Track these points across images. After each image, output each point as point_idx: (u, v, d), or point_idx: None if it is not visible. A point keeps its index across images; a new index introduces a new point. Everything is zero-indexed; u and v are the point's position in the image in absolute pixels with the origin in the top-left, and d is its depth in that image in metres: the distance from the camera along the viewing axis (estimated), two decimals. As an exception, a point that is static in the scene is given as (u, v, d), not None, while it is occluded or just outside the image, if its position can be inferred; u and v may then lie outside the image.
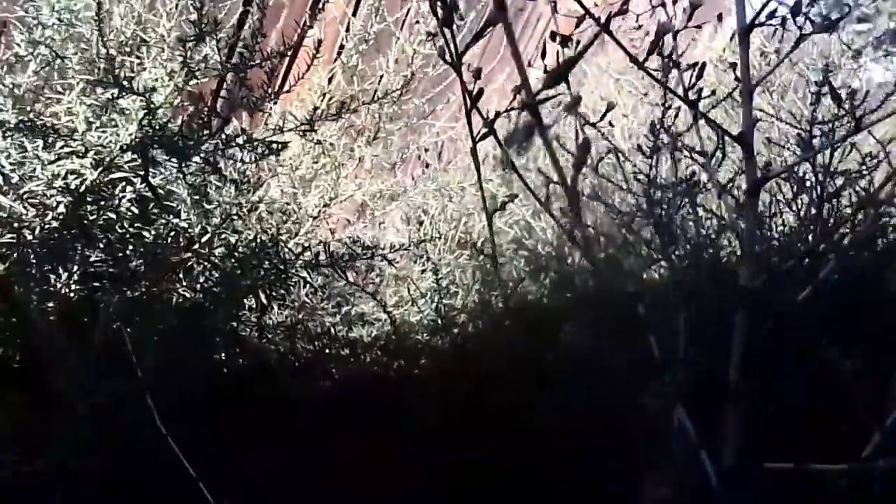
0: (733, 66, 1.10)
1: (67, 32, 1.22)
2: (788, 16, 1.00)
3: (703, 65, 1.13)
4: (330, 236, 1.97)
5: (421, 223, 2.81)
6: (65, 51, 1.26)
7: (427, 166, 2.62)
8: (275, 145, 1.30)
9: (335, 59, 2.01)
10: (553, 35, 1.22)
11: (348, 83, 1.70)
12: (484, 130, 1.03)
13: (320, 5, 1.49)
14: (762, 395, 1.22)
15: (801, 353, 1.20)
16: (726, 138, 1.15)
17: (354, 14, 2.39)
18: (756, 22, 1.02)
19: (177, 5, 1.32)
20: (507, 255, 2.72)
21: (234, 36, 1.26)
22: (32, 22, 1.24)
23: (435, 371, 2.51)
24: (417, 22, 1.63)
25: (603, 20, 1.07)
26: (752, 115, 1.07)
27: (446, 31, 0.95)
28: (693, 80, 1.11)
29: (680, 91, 1.14)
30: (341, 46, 2.43)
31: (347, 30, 2.04)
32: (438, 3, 0.93)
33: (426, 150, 2.27)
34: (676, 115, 1.39)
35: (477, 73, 1.00)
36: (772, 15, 1.01)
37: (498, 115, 1.03)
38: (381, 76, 1.72)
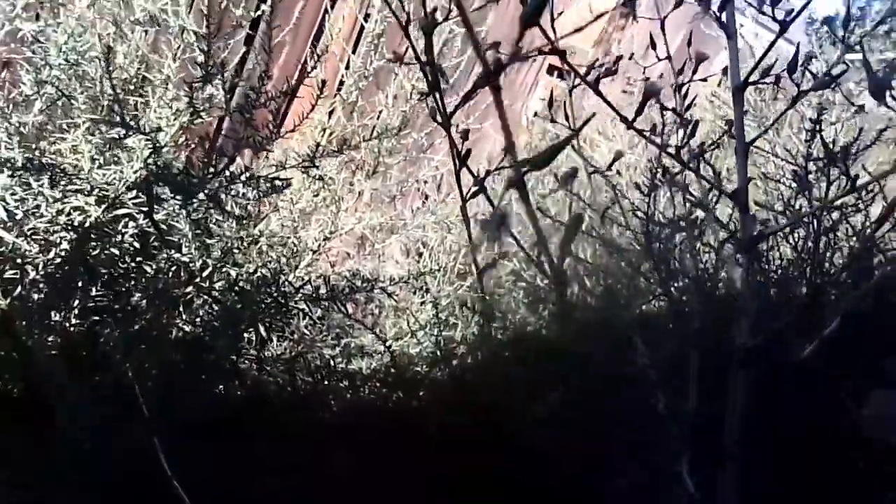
0: (729, 123, 1.11)
1: (73, 72, 1.24)
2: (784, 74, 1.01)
3: (697, 123, 1.13)
4: (330, 269, 1.98)
5: (420, 255, 2.82)
6: (70, 90, 1.28)
7: (426, 198, 2.64)
8: (278, 182, 1.31)
9: (335, 94, 2.04)
10: (550, 69, 1.25)
11: (348, 118, 1.72)
12: (474, 189, 1.05)
13: (321, 44, 1.51)
14: (760, 457, 1.22)
15: (802, 410, 1.20)
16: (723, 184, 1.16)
17: (354, 51, 2.43)
18: (750, 80, 1.03)
19: (181, 47, 1.34)
20: (506, 287, 2.73)
21: (237, 76, 1.28)
22: (39, 62, 1.26)
23: (434, 403, 2.51)
24: (417, 61, 1.64)
25: (597, 64, 1.09)
26: (746, 173, 1.07)
27: (435, 93, 0.97)
28: (686, 137, 1.12)
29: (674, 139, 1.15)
30: (341, 81, 2.46)
31: (347, 66, 2.07)
32: (427, 69, 0.95)
33: (425, 182, 2.29)
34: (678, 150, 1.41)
35: (465, 135, 1.03)
36: (766, 72, 1.02)
37: (488, 173, 1.05)
38: (381, 111, 1.74)
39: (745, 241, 1.10)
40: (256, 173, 1.30)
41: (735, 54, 1.03)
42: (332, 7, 2.50)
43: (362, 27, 2.84)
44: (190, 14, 1.32)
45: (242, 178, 1.26)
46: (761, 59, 1.04)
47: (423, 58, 0.96)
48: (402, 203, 2.36)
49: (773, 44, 1.01)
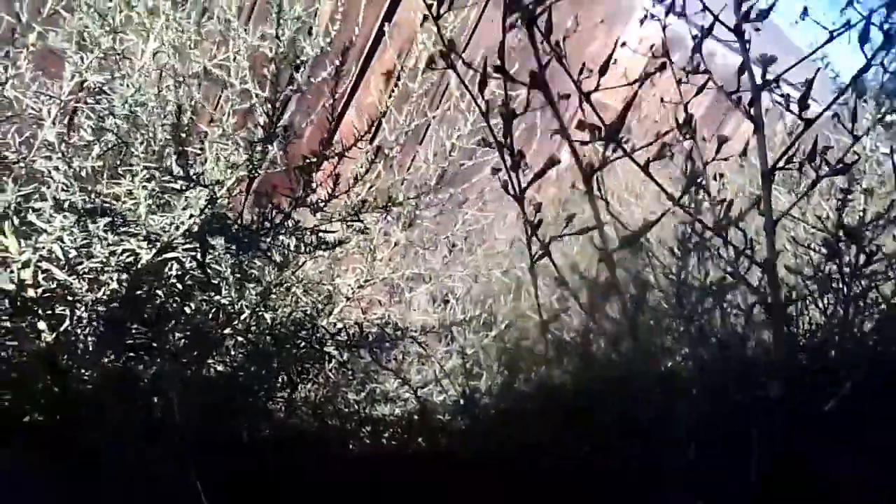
0: (756, 203, 1.15)
1: (133, 121, 1.31)
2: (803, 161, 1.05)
3: (731, 202, 1.18)
4: (361, 315, 2.02)
5: (446, 302, 2.86)
6: (130, 138, 1.35)
7: (454, 246, 2.68)
8: (329, 239, 1.36)
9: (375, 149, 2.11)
10: (580, 124, 1.29)
11: (386, 170, 1.78)
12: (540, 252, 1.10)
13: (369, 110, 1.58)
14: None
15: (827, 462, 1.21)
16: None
17: (390, 96, 2.51)
18: (777, 166, 1.07)
19: (240, 102, 1.41)
20: (532, 339, 2.75)
21: (293, 134, 1.35)
22: (103, 111, 1.33)
23: (457, 453, 2.52)
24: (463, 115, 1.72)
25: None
26: (774, 247, 1.11)
27: (512, 173, 1.03)
28: (721, 214, 1.16)
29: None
30: (376, 130, 2.54)
31: (384, 116, 2.14)
32: (506, 150, 1.01)
33: (453, 233, 2.34)
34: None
35: (538, 207, 1.08)
36: (790, 160, 1.07)
37: (551, 240, 1.10)
38: (421, 167, 1.80)
39: (776, 310, 1.14)
40: (304, 224, 1.35)
41: (763, 143, 1.08)
42: (365, 65, 2.59)
43: (398, 79, 2.92)
44: (247, 70, 1.39)
45: (294, 231, 1.31)
46: (788, 149, 1.09)
47: (503, 141, 1.02)
48: (430, 252, 2.41)
49: (799, 135, 1.06)
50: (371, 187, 1.52)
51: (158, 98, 1.33)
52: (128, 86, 1.24)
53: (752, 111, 1.08)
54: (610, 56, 1.23)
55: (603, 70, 1.20)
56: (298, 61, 1.28)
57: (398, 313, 2.57)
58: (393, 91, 1.80)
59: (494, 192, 2.35)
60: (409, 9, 2.88)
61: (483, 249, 2.46)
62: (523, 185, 1.07)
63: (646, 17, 1.16)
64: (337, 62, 1.26)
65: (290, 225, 1.33)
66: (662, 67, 1.27)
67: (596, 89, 1.17)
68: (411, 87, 1.49)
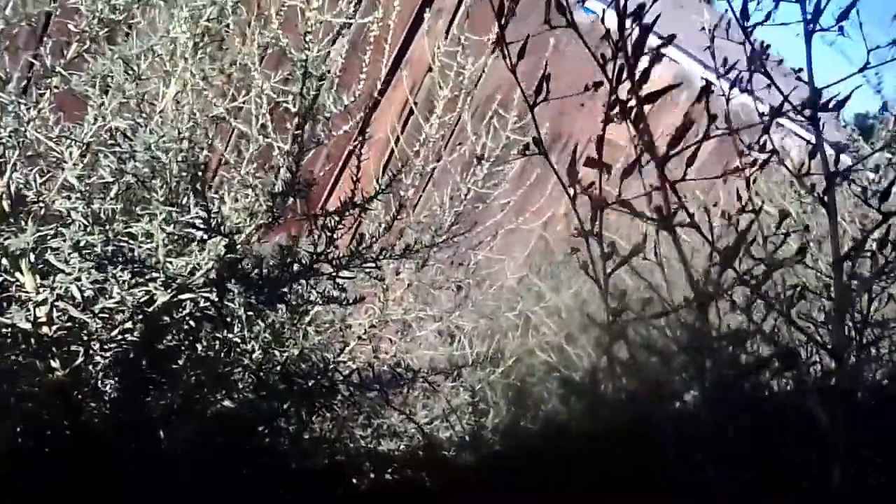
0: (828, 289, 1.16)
1: (154, 165, 1.33)
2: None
3: (803, 289, 1.19)
4: (371, 353, 2.03)
5: (452, 337, 2.86)
6: (150, 181, 1.37)
7: (459, 289, 2.69)
8: (346, 292, 1.37)
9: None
10: (588, 161, 1.31)
11: (402, 212, 1.79)
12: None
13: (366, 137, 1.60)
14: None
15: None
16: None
17: (396, 141, 2.53)
18: (850, 254, 1.09)
19: (258, 149, 1.42)
20: (538, 377, 2.75)
21: (313, 184, 1.36)
22: (124, 154, 1.35)
23: (462, 489, 2.51)
24: (480, 158, 1.74)
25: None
26: (844, 333, 1.13)
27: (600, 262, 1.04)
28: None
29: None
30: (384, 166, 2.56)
31: (397, 161, 2.17)
32: (597, 240, 1.01)
33: (467, 276, 2.36)
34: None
35: (612, 246, 1.09)
36: (861, 246, 1.09)
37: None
38: (436, 210, 1.82)
39: (841, 398, 1.15)
40: (321, 270, 1.36)
41: (835, 230, 1.10)
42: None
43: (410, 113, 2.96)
44: (268, 119, 1.41)
45: (312, 279, 1.32)
46: (863, 241, 1.11)
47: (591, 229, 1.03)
48: (440, 291, 2.42)
49: (872, 230, 1.09)
50: (387, 229, 1.53)
51: (178, 141, 1.35)
52: (150, 131, 1.26)
53: (825, 199, 1.09)
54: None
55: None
56: (322, 117, 1.30)
57: (404, 348, 2.57)
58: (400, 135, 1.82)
59: (508, 236, 2.37)
60: (420, 49, 2.93)
61: (493, 290, 2.47)
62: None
63: (708, 90, 1.17)
64: (360, 116, 1.28)
65: (309, 274, 1.34)
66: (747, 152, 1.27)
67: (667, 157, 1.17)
68: (428, 132, 1.50)
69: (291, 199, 1.32)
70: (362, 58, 1.49)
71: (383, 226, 1.37)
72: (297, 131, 1.29)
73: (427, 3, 2.86)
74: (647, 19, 1.12)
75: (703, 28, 1.33)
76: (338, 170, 2.67)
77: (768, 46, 1.34)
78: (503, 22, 1.05)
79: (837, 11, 1.10)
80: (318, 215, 1.31)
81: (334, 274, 1.38)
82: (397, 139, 2.47)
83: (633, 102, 1.05)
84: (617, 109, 1.03)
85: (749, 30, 1.22)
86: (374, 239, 1.36)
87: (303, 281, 1.37)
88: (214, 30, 1.39)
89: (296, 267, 1.31)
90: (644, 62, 1.04)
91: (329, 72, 1.28)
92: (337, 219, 1.29)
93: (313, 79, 1.22)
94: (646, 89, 1.09)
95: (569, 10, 1.04)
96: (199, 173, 1.61)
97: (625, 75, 1.05)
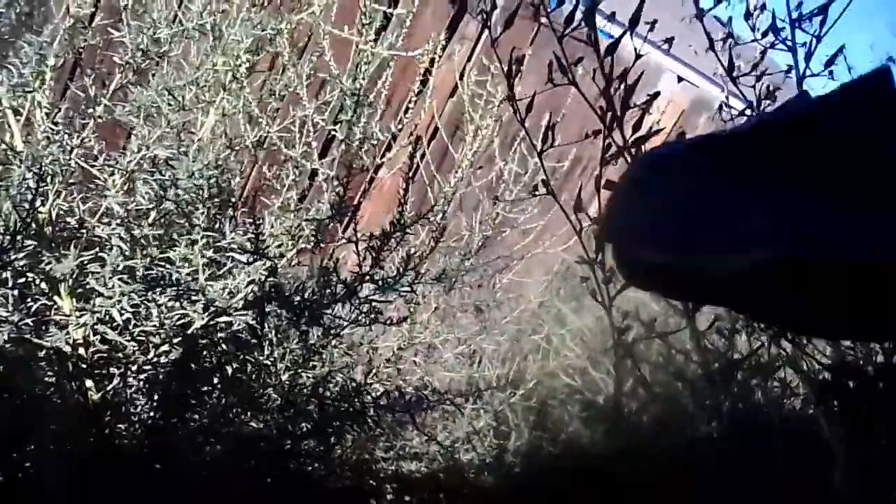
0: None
1: (197, 193, 1.36)
2: None
3: None
4: (396, 374, 2.05)
5: (473, 359, 2.88)
6: (189, 207, 1.40)
7: (480, 311, 2.71)
8: (388, 322, 1.40)
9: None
10: (607, 183, 1.33)
11: (429, 236, 1.82)
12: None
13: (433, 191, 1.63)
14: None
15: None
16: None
17: (421, 158, 2.57)
18: None
19: (300, 175, 1.46)
20: (559, 399, 2.76)
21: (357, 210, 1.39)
22: (166, 181, 1.39)
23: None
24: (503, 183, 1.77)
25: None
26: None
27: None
28: None
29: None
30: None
31: (425, 184, 2.20)
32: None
33: (493, 299, 2.38)
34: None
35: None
36: None
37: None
38: (465, 234, 1.85)
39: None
40: (359, 292, 1.39)
41: None
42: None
43: (435, 130, 2.99)
44: (313, 147, 1.45)
45: (356, 303, 1.35)
46: None
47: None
48: (464, 314, 2.45)
49: None
50: (420, 255, 1.56)
51: (220, 168, 1.38)
52: (193, 159, 1.30)
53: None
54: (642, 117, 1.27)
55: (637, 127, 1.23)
56: (369, 144, 1.34)
57: (427, 370, 2.59)
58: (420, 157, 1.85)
59: (530, 258, 2.40)
60: (441, 74, 2.97)
61: (516, 313, 2.49)
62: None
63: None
64: (409, 147, 1.31)
65: (352, 297, 1.37)
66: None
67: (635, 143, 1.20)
68: (458, 157, 1.54)
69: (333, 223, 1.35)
70: (393, 82, 1.54)
71: (425, 250, 1.40)
72: (342, 156, 1.32)
73: (451, 29, 2.91)
74: (658, 35, 1.15)
75: (711, 49, 1.36)
76: (360, 193, 2.71)
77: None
78: (511, 82, 1.09)
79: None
80: (363, 238, 1.34)
81: (371, 297, 1.41)
82: (418, 163, 2.51)
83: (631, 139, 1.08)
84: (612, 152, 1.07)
85: (737, 79, 1.25)
86: (419, 262, 1.39)
87: (340, 303, 1.40)
88: (252, 60, 1.43)
89: (338, 289, 1.34)
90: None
91: (374, 101, 1.31)
92: (381, 242, 1.32)
93: (364, 107, 1.26)
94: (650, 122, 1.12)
95: (570, 69, 1.08)
96: (233, 199, 1.65)
97: (625, 118, 1.08)
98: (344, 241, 1.39)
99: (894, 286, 0.33)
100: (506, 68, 1.16)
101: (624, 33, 0.97)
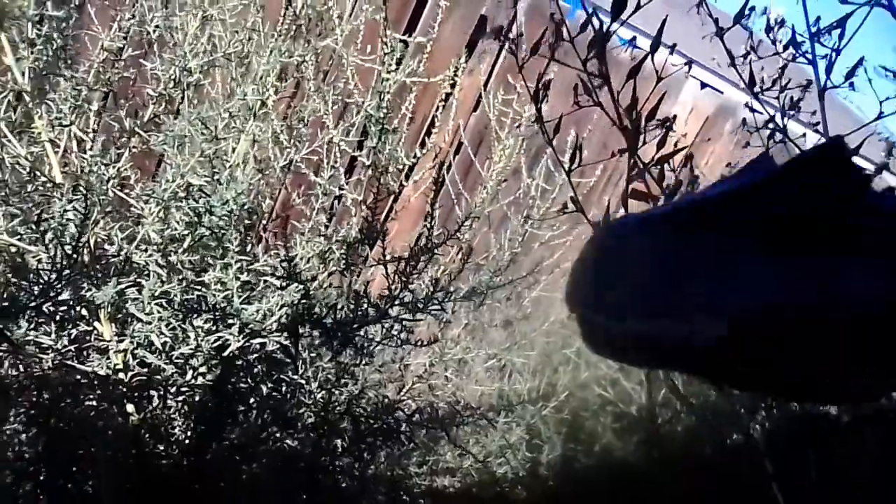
0: None
1: (230, 221, 1.39)
2: None
3: None
4: (428, 391, 2.07)
5: (502, 372, 2.88)
6: (222, 233, 1.43)
7: (508, 324, 2.72)
8: (408, 325, 1.42)
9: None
10: (634, 193, 1.34)
11: (462, 256, 1.84)
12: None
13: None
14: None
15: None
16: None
17: (446, 175, 2.59)
18: None
19: (329, 200, 1.49)
20: (591, 410, 2.76)
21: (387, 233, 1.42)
22: (200, 208, 1.42)
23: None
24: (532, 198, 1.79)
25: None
26: None
27: None
28: None
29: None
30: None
31: (452, 201, 2.22)
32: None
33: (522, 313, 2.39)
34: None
35: None
36: None
37: None
38: (492, 253, 1.86)
39: None
40: (390, 313, 1.41)
41: None
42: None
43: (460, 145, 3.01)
44: (341, 171, 1.47)
45: (387, 324, 1.37)
46: None
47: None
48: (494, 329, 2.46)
49: None
50: (450, 274, 1.58)
51: (251, 194, 1.41)
52: (227, 186, 1.33)
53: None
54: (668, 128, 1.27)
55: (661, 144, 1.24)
56: (395, 169, 1.36)
57: (457, 384, 2.60)
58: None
59: (559, 271, 2.40)
60: (468, 85, 3.00)
61: (546, 326, 2.50)
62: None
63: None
64: (433, 169, 1.34)
65: (383, 318, 1.39)
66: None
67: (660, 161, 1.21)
68: (485, 175, 1.56)
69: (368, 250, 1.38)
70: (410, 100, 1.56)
71: (454, 269, 1.42)
72: (369, 181, 1.35)
73: (471, 45, 2.94)
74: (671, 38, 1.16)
75: (739, 55, 1.36)
76: (386, 213, 2.74)
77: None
78: (539, 105, 1.10)
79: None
80: (392, 260, 1.36)
81: (403, 317, 1.43)
82: (441, 181, 2.53)
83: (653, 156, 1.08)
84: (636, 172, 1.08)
85: (758, 94, 1.26)
86: (449, 282, 1.41)
87: (372, 324, 1.42)
88: (280, 87, 1.47)
89: (369, 311, 1.36)
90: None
91: (398, 126, 1.34)
92: (413, 264, 1.34)
93: (389, 134, 1.28)
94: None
95: (594, 90, 1.09)
96: (262, 221, 1.68)
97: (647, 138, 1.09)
98: (374, 263, 1.41)
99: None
100: (531, 88, 1.17)
101: (644, 58, 0.99)
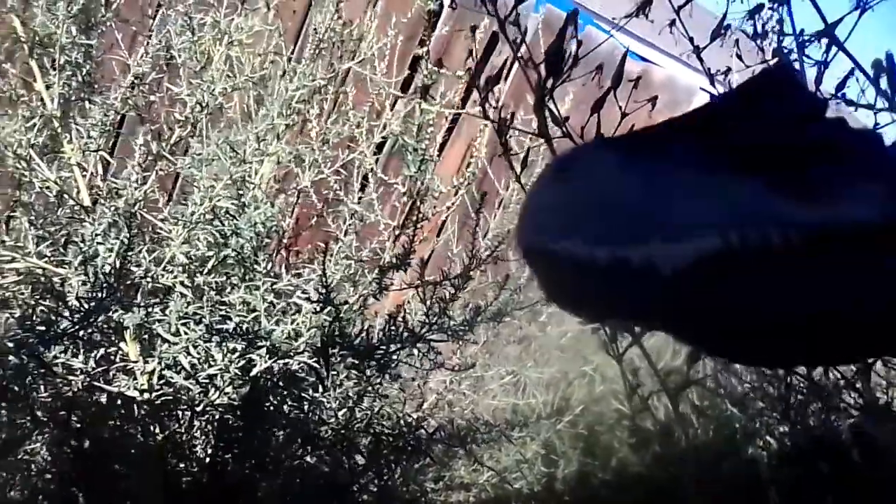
0: None
1: (258, 243, 1.41)
2: None
3: None
4: (447, 407, 2.08)
5: (516, 386, 2.88)
6: (252, 255, 1.45)
7: (522, 340, 2.72)
8: (437, 348, 1.43)
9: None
10: None
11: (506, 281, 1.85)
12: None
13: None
14: None
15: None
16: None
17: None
18: None
19: (361, 223, 1.51)
20: (606, 424, 2.76)
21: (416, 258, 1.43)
22: (227, 230, 1.44)
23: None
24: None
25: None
26: None
27: None
28: None
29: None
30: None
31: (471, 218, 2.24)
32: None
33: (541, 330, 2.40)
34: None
35: None
36: None
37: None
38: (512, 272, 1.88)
39: None
40: (419, 334, 1.42)
41: None
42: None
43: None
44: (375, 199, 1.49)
45: (423, 349, 1.39)
46: None
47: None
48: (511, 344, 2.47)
49: None
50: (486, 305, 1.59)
51: (279, 215, 1.43)
52: (255, 209, 1.35)
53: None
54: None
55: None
56: (430, 197, 1.38)
57: (473, 399, 2.61)
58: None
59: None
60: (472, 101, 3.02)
61: (563, 340, 2.51)
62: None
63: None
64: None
65: (417, 343, 1.40)
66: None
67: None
68: (504, 195, 1.57)
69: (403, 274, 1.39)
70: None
71: (482, 289, 1.43)
72: (403, 207, 1.37)
73: (483, 61, 2.96)
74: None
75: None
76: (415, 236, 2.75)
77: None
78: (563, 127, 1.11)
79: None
80: (430, 283, 1.37)
81: (433, 339, 1.44)
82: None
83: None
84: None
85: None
86: (485, 309, 1.42)
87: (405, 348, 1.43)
88: (305, 110, 1.49)
89: (406, 337, 1.38)
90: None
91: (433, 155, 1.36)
92: (453, 290, 1.36)
93: (428, 163, 1.30)
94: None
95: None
96: (284, 240, 1.70)
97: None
98: (406, 286, 1.43)
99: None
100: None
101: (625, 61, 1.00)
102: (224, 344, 1.42)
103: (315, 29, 1.50)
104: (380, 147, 2.06)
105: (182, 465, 1.82)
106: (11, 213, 1.73)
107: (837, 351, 0.36)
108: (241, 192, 1.46)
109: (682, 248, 0.32)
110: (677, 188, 0.33)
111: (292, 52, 1.66)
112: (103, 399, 1.61)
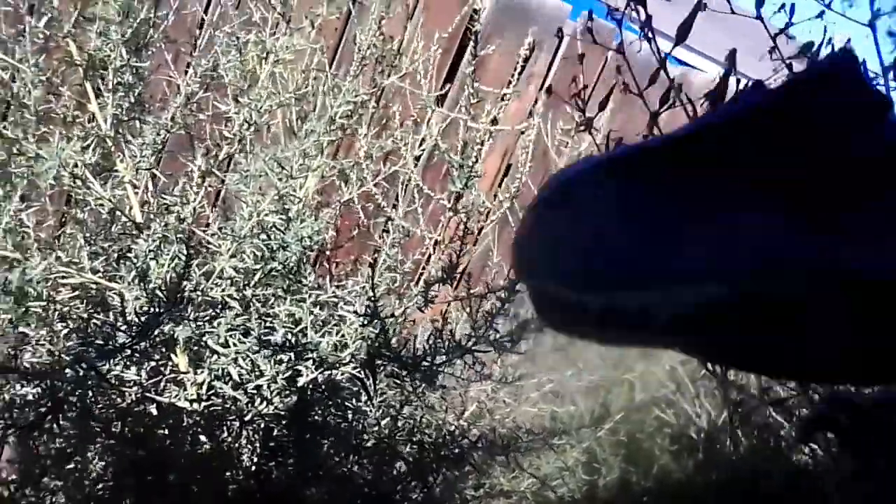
0: None
1: (305, 257, 1.44)
2: None
3: None
4: (488, 415, 2.09)
5: (555, 393, 2.89)
6: (298, 268, 1.48)
7: (563, 349, 2.73)
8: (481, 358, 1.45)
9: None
10: None
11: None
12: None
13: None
14: None
15: None
16: None
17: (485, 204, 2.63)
18: None
19: (403, 236, 1.54)
20: (647, 432, 2.75)
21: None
22: (274, 244, 1.47)
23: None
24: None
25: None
26: None
27: None
28: None
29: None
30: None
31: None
32: None
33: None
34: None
35: None
36: None
37: None
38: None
39: None
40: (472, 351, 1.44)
41: None
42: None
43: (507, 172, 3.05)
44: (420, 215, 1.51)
45: (465, 360, 1.41)
46: None
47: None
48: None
49: None
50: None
51: (323, 229, 1.46)
52: (301, 221, 1.38)
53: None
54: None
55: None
56: (476, 212, 1.40)
57: (513, 407, 2.62)
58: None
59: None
60: (515, 108, 3.03)
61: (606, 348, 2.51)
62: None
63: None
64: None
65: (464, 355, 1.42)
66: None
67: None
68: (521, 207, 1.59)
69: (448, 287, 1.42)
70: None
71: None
72: (451, 223, 1.39)
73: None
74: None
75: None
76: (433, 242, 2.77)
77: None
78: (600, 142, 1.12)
79: None
80: (476, 296, 1.40)
81: (479, 350, 1.46)
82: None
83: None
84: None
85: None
86: (532, 316, 1.44)
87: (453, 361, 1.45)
88: (349, 126, 1.52)
89: (452, 349, 1.40)
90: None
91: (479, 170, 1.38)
92: (500, 304, 1.37)
93: (474, 179, 1.32)
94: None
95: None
96: (327, 251, 1.73)
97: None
98: (452, 298, 1.45)
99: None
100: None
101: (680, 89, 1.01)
102: (272, 356, 1.45)
103: (357, 45, 1.53)
104: (418, 157, 2.08)
105: (229, 474, 1.86)
106: (63, 229, 1.79)
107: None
108: (286, 206, 1.50)
109: (682, 294, 0.28)
110: (685, 223, 0.29)
111: (331, 68, 1.69)
112: (154, 410, 1.66)
